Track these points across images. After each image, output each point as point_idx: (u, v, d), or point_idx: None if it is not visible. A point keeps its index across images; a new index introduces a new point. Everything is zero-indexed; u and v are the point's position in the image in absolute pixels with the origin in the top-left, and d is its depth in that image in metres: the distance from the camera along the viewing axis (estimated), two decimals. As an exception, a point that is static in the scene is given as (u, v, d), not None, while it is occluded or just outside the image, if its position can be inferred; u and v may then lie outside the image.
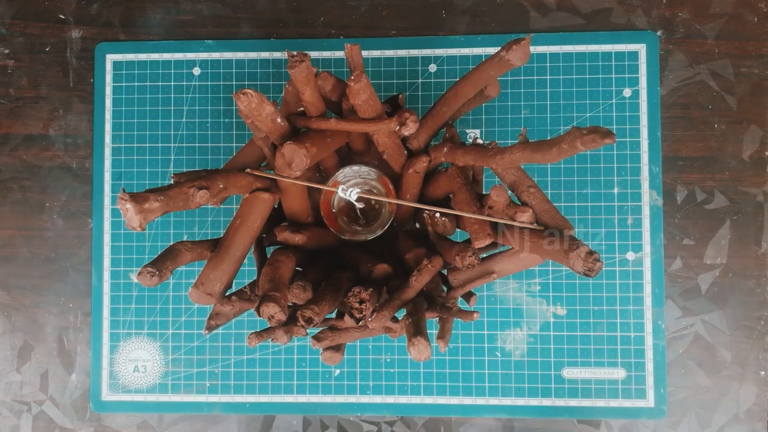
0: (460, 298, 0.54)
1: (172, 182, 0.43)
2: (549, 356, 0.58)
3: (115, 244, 0.61)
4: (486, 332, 0.59)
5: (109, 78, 0.61)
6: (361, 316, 0.43)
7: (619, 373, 0.58)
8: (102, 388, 0.60)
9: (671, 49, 0.60)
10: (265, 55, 0.61)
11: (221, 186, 0.43)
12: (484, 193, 0.47)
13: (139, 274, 0.42)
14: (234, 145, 0.61)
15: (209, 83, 0.61)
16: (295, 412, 0.59)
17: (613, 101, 0.59)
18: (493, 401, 0.59)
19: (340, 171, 0.50)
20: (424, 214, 0.49)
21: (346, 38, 0.61)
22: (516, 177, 0.45)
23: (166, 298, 0.60)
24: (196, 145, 0.61)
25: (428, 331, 0.45)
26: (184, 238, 0.60)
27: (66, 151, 0.62)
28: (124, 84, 0.61)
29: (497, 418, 0.59)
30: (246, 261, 0.46)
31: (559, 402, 0.58)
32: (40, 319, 0.61)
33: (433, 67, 0.61)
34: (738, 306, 0.59)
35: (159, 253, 0.44)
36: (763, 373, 0.58)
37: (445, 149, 0.47)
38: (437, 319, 0.51)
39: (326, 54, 0.61)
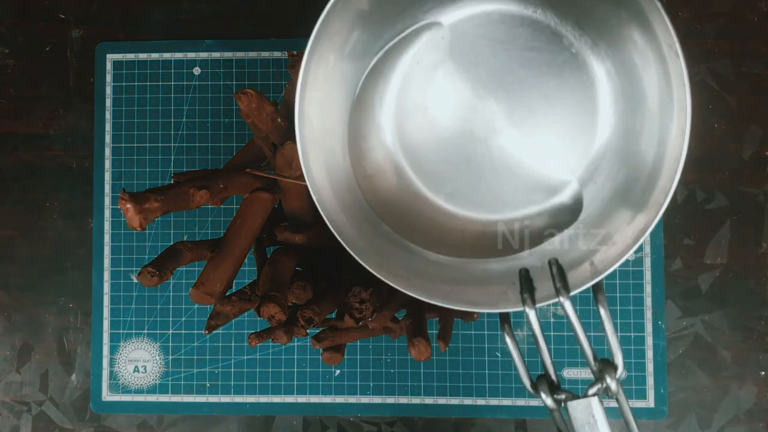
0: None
1: (172, 182, 0.43)
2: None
3: (116, 244, 0.61)
4: (486, 332, 0.59)
5: (109, 78, 0.61)
6: (361, 316, 0.43)
7: (620, 374, 0.58)
8: (102, 388, 0.60)
9: (671, 49, 0.60)
10: (265, 54, 0.61)
11: (221, 186, 0.43)
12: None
13: (140, 274, 0.42)
14: (234, 145, 0.61)
15: (209, 83, 0.61)
16: (295, 413, 0.59)
17: (614, 101, 0.59)
18: (494, 402, 0.58)
19: (340, 171, 0.50)
20: (425, 214, 0.48)
21: (346, 38, 0.61)
22: (516, 177, 0.44)
23: (166, 298, 0.60)
24: (197, 144, 0.61)
25: (429, 332, 0.45)
26: (185, 239, 0.60)
27: (66, 150, 0.62)
28: (124, 84, 0.61)
29: (498, 418, 0.59)
30: (246, 261, 0.46)
31: (560, 402, 0.58)
32: (40, 319, 0.61)
33: (433, 67, 0.60)
34: (738, 306, 0.59)
35: (159, 253, 0.44)
36: (763, 373, 0.58)
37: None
38: (437, 319, 0.51)
39: (326, 54, 0.61)
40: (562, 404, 0.32)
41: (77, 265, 0.61)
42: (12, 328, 0.61)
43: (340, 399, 0.59)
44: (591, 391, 0.31)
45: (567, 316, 0.31)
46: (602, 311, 0.31)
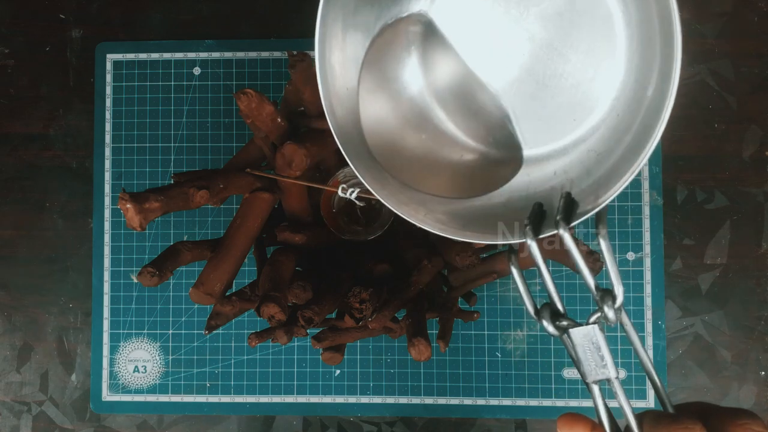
0: (460, 299, 0.54)
1: (172, 182, 0.43)
2: (549, 356, 0.58)
3: (116, 244, 0.61)
4: (486, 333, 0.59)
5: (109, 78, 0.61)
6: (361, 316, 0.43)
7: (620, 374, 0.58)
8: (102, 388, 0.60)
9: (671, 49, 0.60)
10: (265, 54, 0.61)
11: (221, 186, 0.43)
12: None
13: (140, 274, 0.42)
14: (234, 145, 0.61)
15: (209, 83, 0.61)
16: (295, 413, 0.59)
17: (614, 101, 0.59)
18: (494, 402, 0.58)
19: (340, 170, 0.50)
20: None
21: (346, 38, 0.61)
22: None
23: (166, 298, 0.60)
24: (197, 145, 0.61)
25: (429, 332, 0.45)
26: (185, 239, 0.60)
27: (66, 150, 0.62)
28: (124, 84, 0.61)
29: (498, 418, 0.59)
30: (246, 261, 0.46)
31: (560, 402, 0.58)
32: (40, 319, 0.61)
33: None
34: (738, 306, 0.59)
35: (159, 253, 0.44)
36: (763, 373, 0.58)
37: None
38: (438, 319, 0.51)
39: (326, 54, 0.61)
40: (566, 332, 0.33)
41: (77, 265, 0.61)
42: (12, 328, 0.61)
43: (340, 399, 0.59)
44: (591, 319, 0.32)
45: (567, 247, 0.32)
46: (602, 242, 0.32)
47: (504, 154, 0.43)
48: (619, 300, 0.32)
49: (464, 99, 0.43)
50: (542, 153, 0.42)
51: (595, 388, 0.32)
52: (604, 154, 0.39)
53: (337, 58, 0.40)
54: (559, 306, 0.33)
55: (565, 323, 0.32)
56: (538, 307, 0.33)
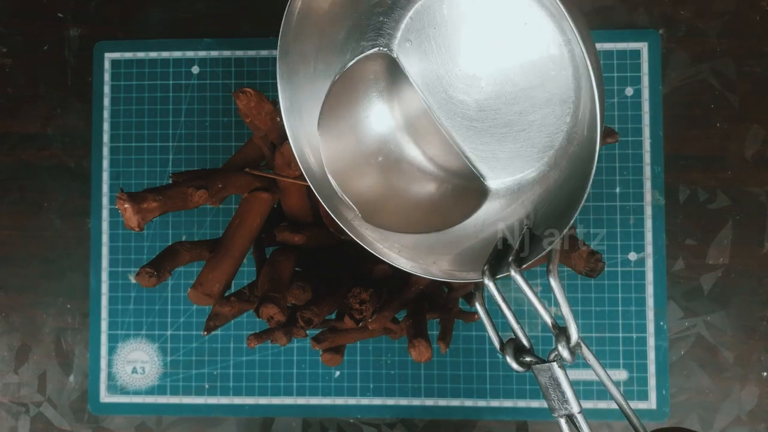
0: (461, 299, 0.54)
1: (170, 182, 0.43)
2: (550, 357, 0.58)
3: (114, 245, 0.60)
4: (487, 333, 0.59)
5: (107, 77, 0.61)
6: (361, 317, 0.43)
7: (621, 375, 0.58)
8: (100, 389, 0.60)
9: (673, 48, 0.59)
10: (264, 53, 0.61)
11: (220, 186, 0.43)
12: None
13: (138, 274, 0.41)
14: (233, 144, 0.61)
15: (208, 82, 0.61)
16: (294, 414, 0.59)
17: (615, 100, 0.59)
18: (495, 403, 0.58)
19: (340, 171, 0.49)
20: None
21: (346, 37, 0.61)
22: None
23: (164, 299, 0.60)
24: (195, 144, 0.61)
25: (429, 333, 0.45)
26: (183, 239, 0.60)
27: (64, 150, 0.62)
28: (122, 83, 0.61)
29: (499, 420, 0.58)
30: (245, 261, 0.45)
31: (561, 403, 0.58)
32: (37, 319, 0.61)
33: (433, 66, 0.60)
34: (740, 306, 0.58)
35: (157, 253, 0.44)
36: (765, 374, 0.58)
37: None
38: (438, 320, 0.51)
39: (326, 53, 0.61)
40: (530, 368, 0.34)
41: (75, 266, 0.61)
42: (10, 329, 0.61)
43: (339, 401, 0.59)
44: (551, 357, 0.33)
45: (520, 288, 0.33)
46: (552, 281, 0.33)
47: (470, 183, 0.44)
48: (573, 339, 0.32)
49: (429, 133, 0.44)
50: (508, 184, 0.43)
51: (562, 422, 0.33)
52: (564, 184, 0.40)
53: (306, 105, 0.41)
54: (525, 341, 0.34)
55: (528, 359, 0.34)
56: (505, 342, 0.35)
